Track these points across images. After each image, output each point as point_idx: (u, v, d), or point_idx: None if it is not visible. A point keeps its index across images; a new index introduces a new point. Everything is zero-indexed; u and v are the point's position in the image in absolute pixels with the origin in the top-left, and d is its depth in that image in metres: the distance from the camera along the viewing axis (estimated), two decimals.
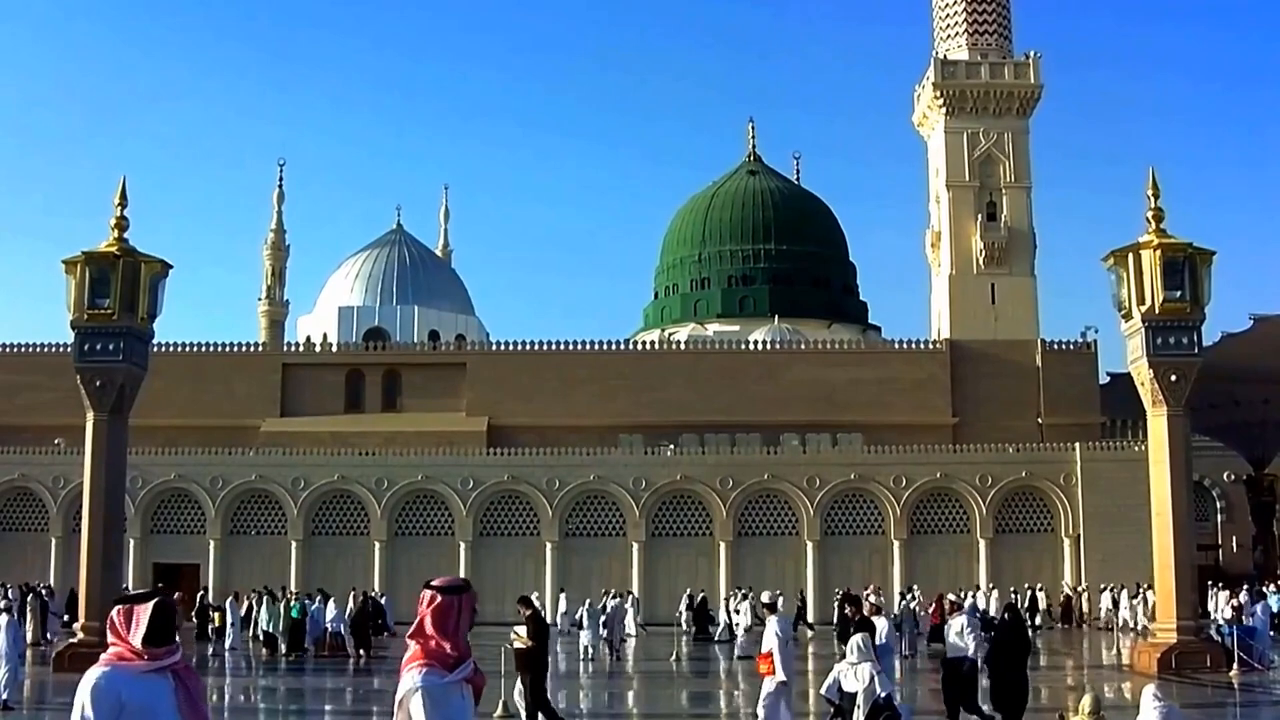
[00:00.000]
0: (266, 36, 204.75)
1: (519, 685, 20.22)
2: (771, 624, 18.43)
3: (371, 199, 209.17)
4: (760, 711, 18.03)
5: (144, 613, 5.97)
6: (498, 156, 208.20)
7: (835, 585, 54.96)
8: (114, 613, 6.05)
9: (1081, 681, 33.79)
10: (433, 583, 6.29)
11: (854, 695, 18.19)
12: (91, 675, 5.91)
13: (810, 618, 54.22)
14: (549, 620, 44.88)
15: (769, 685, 18.00)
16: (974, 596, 48.78)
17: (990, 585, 55.76)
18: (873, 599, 21.33)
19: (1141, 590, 53.47)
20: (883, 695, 17.81)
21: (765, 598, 21.43)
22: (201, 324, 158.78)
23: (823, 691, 19.61)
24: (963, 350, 71.99)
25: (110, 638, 6.05)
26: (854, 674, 18.26)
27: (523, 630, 20.13)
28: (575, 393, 69.71)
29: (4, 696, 24.02)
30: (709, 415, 67.89)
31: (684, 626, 50.83)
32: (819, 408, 68.36)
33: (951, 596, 21.09)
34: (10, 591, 46.67)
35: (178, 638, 6.16)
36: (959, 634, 20.64)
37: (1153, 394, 32.69)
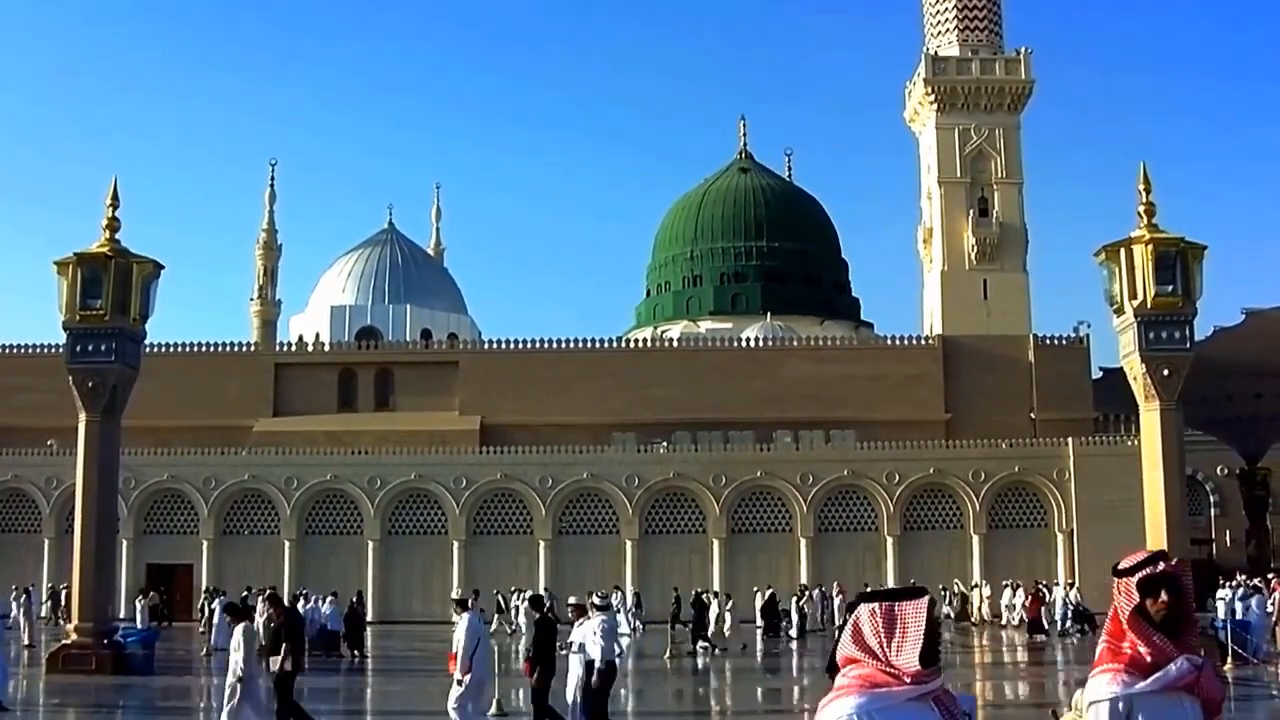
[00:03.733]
0: (258, 35, 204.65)
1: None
2: (461, 622, 18.18)
3: (363, 198, 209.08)
4: (450, 711, 17.90)
5: (914, 617, 4.36)
6: (489, 155, 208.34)
7: (831, 581, 55.08)
8: (861, 614, 4.44)
9: (1074, 677, 33.82)
10: (1119, 565, 4.88)
11: None
12: (842, 708, 4.31)
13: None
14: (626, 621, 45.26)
15: (456, 686, 17.92)
16: (1054, 590, 49.27)
17: (1070, 581, 55.29)
18: (574, 599, 20.86)
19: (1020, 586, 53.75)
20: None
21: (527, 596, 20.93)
22: (193, 324, 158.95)
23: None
24: (955, 346, 72.02)
25: (854, 649, 4.39)
26: None
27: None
28: (568, 391, 69.67)
29: None
30: (702, 413, 67.86)
31: (757, 622, 51.53)
32: (812, 404, 68.36)
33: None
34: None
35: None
36: (591, 635, 19.16)
37: (1145, 389, 32.71)
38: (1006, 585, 55.32)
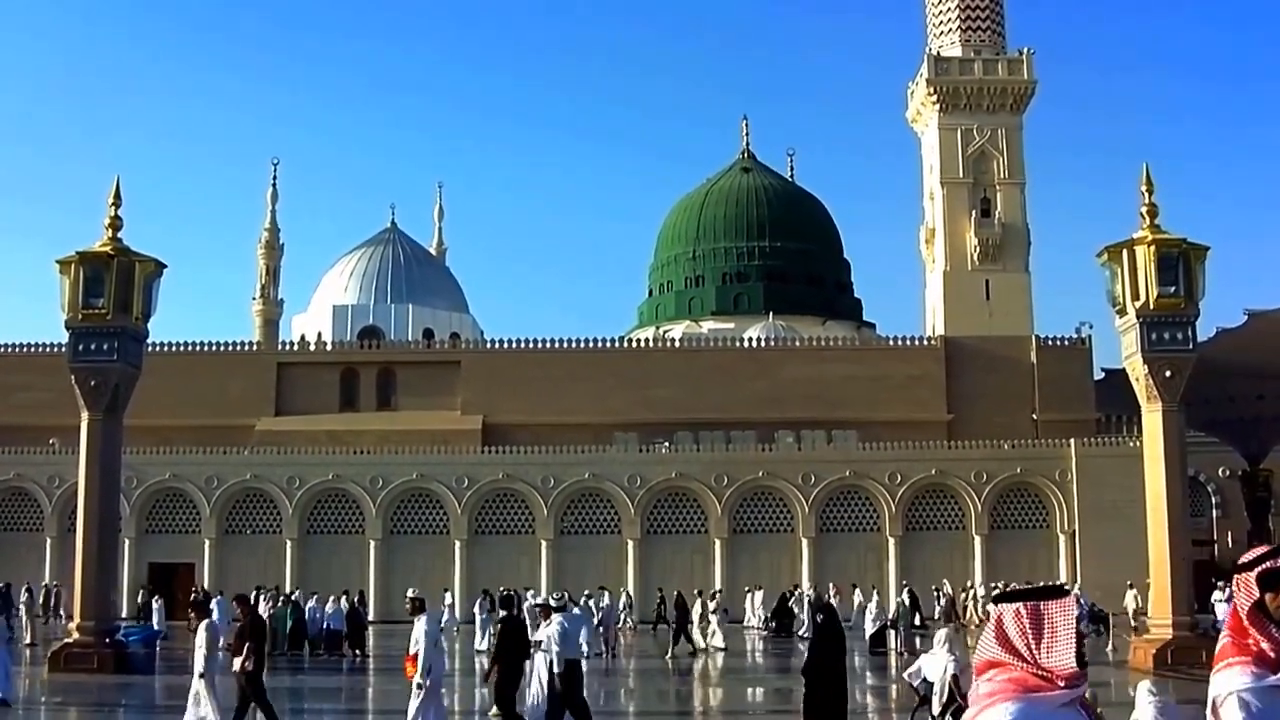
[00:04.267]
0: (259, 35, 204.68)
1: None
2: (419, 624, 18.09)
3: (366, 197, 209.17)
4: (411, 714, 17.74)
5: (1062, 616, 4.14)
6: (492, 154, 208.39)
7: (831, 582, 55.05)
8: (1004, 615, 4.20)
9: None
10: (1240, 560, 4.66)
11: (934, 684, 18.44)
12: (999, 716, 4.04)
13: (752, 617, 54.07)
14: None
15: (417, 690, 17.82)
16: (1080, 591, 49.13)
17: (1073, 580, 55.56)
18: (538, 600, 21.04)
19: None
20: (963, 688, 17.99)
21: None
22: (196, 323, 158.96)
23: (905, 676, 19.89)
24: (957, 347, 72.01)
25: (999, 652, 4.14)
26: (934, 664, 18.47)
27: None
28: (570, 391, 69.67)
29: None
30: (704, 413, 67.86)
31: (760, 622, 51.41)
32: (814, 405, 68.34)
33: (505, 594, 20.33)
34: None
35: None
36: (552, 636, 19.32)
37: (1147, 390, 32.71)
38: (995, 587, 55.11)
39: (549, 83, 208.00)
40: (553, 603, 19.94)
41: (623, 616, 50.74)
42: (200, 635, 19.22)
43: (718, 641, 42.32)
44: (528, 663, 19.86)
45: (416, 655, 17.75)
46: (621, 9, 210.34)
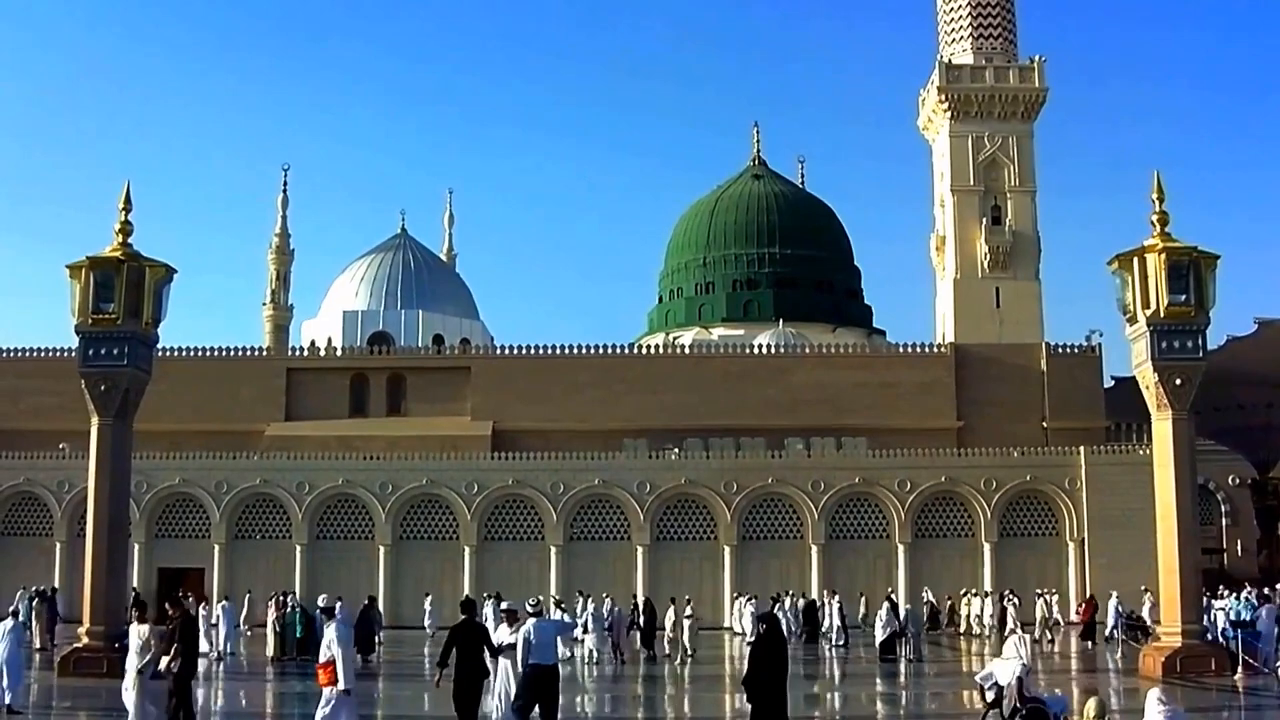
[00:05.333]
0: (271, 41, 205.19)
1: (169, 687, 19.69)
2: (330, 631, 18.03)
3: (376, 203, 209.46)
4: None
5: None
6: (502, 161, 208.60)
7: (840, 589, 54.97)
8: None
9: (1086, 685, 33.76)
10: None
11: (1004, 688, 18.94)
12: None
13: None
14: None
15: (328, 694, 17.64)
16: (1116, 599, 48.94)
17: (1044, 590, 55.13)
18: (506, 605, 21.18)
19: (983, 596, 53.45)
20: (1030, 691, 18.36)
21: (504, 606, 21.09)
22: (206, 328, 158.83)
23: (978, 679, 20.43)
24: (967, 354, 71.89)
25: None
26: (1005, 668, 18.87)
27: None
28: (580, 397, 69.67)
29: (7, 701, 23.99)
30: (713, 419, 67.76)
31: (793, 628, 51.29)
32: (823, 411, 68.25)
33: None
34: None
35: None
36: (521, 641, 19.50)
37: (1157, 398, 32.66)
38: (975, 594, 54.90)
39: (560, 89, 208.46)
40: (529, 608, 19.93)
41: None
42: (146, 635, 19.44)
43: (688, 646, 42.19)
44: (491, 664, 19.85)
45: (330, 662, 17.68)
46: (632, 16, 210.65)
